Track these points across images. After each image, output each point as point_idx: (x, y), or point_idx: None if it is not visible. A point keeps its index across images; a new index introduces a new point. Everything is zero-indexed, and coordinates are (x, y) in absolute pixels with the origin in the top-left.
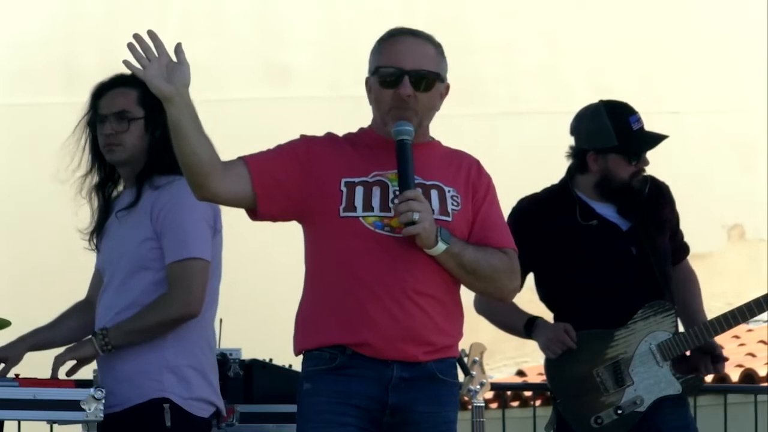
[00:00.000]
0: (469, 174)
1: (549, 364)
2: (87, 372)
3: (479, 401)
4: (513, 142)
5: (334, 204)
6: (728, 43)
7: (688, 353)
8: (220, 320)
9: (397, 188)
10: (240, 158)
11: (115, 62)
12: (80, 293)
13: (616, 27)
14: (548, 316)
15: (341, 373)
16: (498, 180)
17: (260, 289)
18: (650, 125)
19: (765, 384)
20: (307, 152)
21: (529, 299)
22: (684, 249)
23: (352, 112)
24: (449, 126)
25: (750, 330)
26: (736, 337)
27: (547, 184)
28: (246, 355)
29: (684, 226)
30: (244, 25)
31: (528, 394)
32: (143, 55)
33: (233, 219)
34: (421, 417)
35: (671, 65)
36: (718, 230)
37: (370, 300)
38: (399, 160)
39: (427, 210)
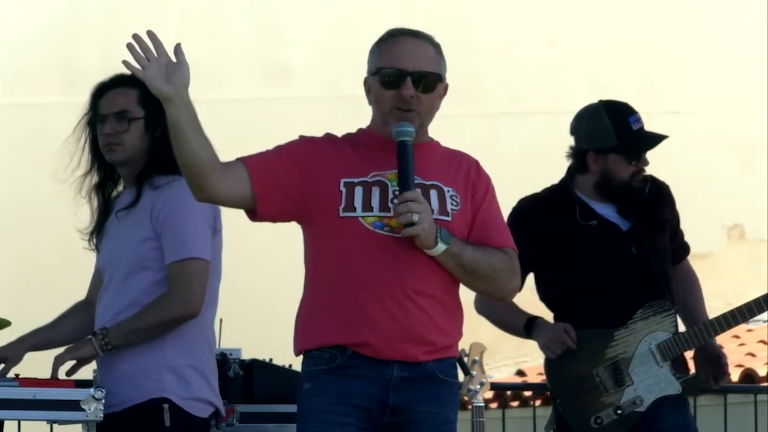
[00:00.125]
0: (468, 174)
1: (549, 364)
2: (87, 372)
3: (479, 401)
4: (513, 142)
5: (334, 204)
6: (728, 43)
7: (691, 358)
8: (220, 320)
9: (397, 188)
10: (239, 159)
11: (115, 62)
12: (80, 293)
13: (616, 27)
14: (548, 316)
15: (341, 373)
16: (498, 180)
17: (260, 289)
18: (650, 125)
19: (765, 384)
20: (306, 153)
21: (529, 299)
22: (684, 248)
23: (352, 112)
24: (449, 126)
25: (750, 330)
26: (736, 337)
27: (547, 184)
28: (246, 355)
29: (684, 226)
30: (244, 25)
31: (528, 394)
32: (142, 55)
33: (233, 219)
34: (421, 417)
35: (671, 65)
36: (718, 230)
37: (370, 300)
38: (400, 160)
39: (427, 210)
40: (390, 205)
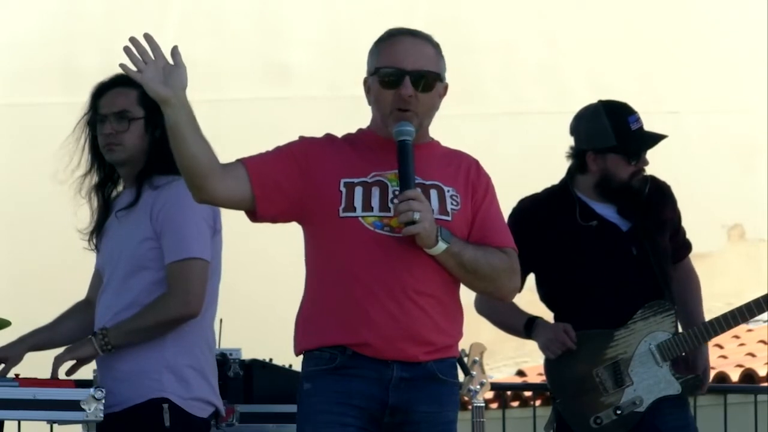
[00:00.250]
0: (468, 174)
1: (549, 365)
2: (87, 372)
3: (479, 401)
4: (513, 142)
5: (334, 204)
6: (728, 43)
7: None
8: (220, 320)
9: (397, 188)
10: (238, 160)
11: (115, 62)
12: (80, 293)
13: (616, 27)
14: (548, 316)
15: (341, 373)
16: (498, 180)
17: (260, 289)
18: (650, 125)
19: (765, 384)
20: (306, 153)
21: (529, 299)
22: (686, 247)
23: (351, 112)
24: (449, 126)
25: (750, 330)
26: (736, 337)
27: (547, 184)
28: (246, 355)
29: (684, 226)
30: (244, 25)
31: (528, 394)
32: (140, 58)
33: (233, 219)
34: (421, 417)
35: (671, 65)
36: (718, 230)
37: (370, 300)
38: (400, 160)
39: (428, 209)
40: (390, 205)
